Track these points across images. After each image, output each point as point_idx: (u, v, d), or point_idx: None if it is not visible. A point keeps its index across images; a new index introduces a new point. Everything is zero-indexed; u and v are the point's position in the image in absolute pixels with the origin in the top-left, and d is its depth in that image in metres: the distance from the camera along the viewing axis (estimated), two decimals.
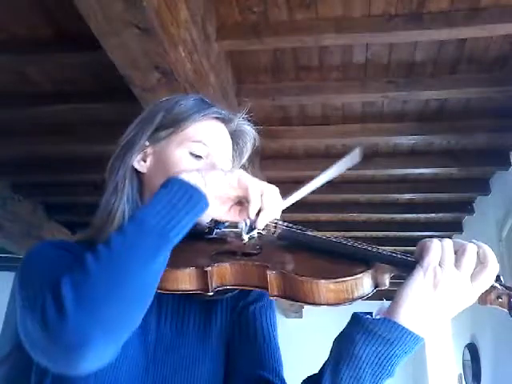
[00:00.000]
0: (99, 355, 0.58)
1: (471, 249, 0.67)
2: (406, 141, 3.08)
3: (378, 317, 0.68)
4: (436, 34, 2.09)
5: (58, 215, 4.34)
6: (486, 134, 2.93)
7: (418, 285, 0.67)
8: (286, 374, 0.87)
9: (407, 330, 0.66)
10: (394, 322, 0.66)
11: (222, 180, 0.72)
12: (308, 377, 0.76)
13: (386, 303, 0.71)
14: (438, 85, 2.46)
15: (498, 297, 0.66)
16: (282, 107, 2.83)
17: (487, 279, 0.66)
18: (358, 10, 2.04)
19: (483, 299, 0.68)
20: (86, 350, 0.55)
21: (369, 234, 4.60)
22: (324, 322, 6.45)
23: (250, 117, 0.94)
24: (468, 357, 4.05)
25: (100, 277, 0.58)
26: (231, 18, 2.11)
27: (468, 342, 4.08)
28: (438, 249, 0.67)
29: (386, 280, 0.73)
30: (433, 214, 4.13)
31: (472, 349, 3.98)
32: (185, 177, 0.69)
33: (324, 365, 0.72)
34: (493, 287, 0.67)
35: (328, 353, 0.73)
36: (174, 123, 0.87)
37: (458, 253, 0.67)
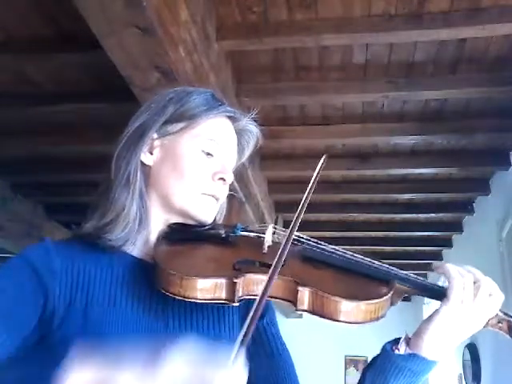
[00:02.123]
0: None
1: (485, 284, 0.73)
2: (406, 141, 3.08)
3: (402, 347, 0.76)
4: (436, 34, 2.09)
5: (58, 215, 4.35)
6: (486, 134, 2.93)
7: (442, 321, 0.74)
8: None
9: (430, 361, 0.76)
10: (420, 357, 0.75)
11: None
12: None
13: (409, 331, 0.79)
14: (438, 85, 2.46)
15: (499, 322, 0.76)
16: (282, 107, 2.83)
17: (495, 308, 0.74)
18: (358, 10, 2.03)
19: (486, 323, 0.76)
20: None
21: (369, 234, 4.60)
22: (324, 322, 6.45)
23: (255, 117, 0.94)
24: (468, 357, 4.06)
25: None
26: (231, 18, 2.11)
27: (468, 342, 4.08)
28: (461, 287, 0.73)
29: (399, 300, 0.78)
30: (433, 214, 4.13)
31: (472, 349, 3.99)
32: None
33: None
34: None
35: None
36: (185, 118, 0.84)
37: (475, 287, 0.73)
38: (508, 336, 0.75)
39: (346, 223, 4.49)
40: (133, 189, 0.81)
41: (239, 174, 2.76)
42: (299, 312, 0.72)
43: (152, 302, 0.78)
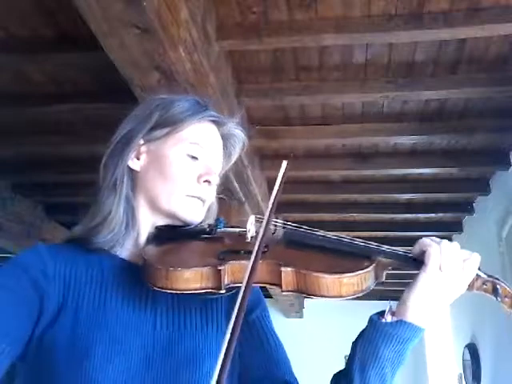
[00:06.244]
0: None
1: (457, 249, 0.76)
2: (406, 141, 3.08)
3: (389, 317, 0.78)
4: (436, 34, 2.09)
5: (58, 215, 4.34)
6: (485, 134, 2.94)
7: (422, 288, 0.76)
8: None
9: (417, 326, 0.77)
10: (407, 323, 0.76)
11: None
12: (334, 377, 0.81)
13: (393, 303, 0.80)
14: (438, 85, 2.46)
15: (483, 283, 0.77)
16: (282, 107, 2.83)
17: (474, 269, 0.76)
18: (358, 10, 2.03)
19: (471, 286, 0.77)
20: None
21: (369, 233, 4.60)
22: (324, 321, 6.45)
23: (248, 117, 0.96)
24: (468, 357, 4.05)
25: None
26: (231, 18, 2.11)
27: (468, 342, 4.08)
28: (438, 255, 0.75)
29: (384, 273, 0.80)
30: (433, 214, 4.13)
31: (472, 349, 3.98)
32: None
33: (350, 367, 0.78)
34: (478, 276, 0.77)
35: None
36: (170, 123, 0.88)
37: (451, 252, 0.76)
38: (493, 297, 0.76)
39: (346, 223, 4.48)
40: (119, 193, 0.84)
41: (239, 174, 2.77)
42: (285, 293, 0.74)
43: (141, 301, 0.81)
